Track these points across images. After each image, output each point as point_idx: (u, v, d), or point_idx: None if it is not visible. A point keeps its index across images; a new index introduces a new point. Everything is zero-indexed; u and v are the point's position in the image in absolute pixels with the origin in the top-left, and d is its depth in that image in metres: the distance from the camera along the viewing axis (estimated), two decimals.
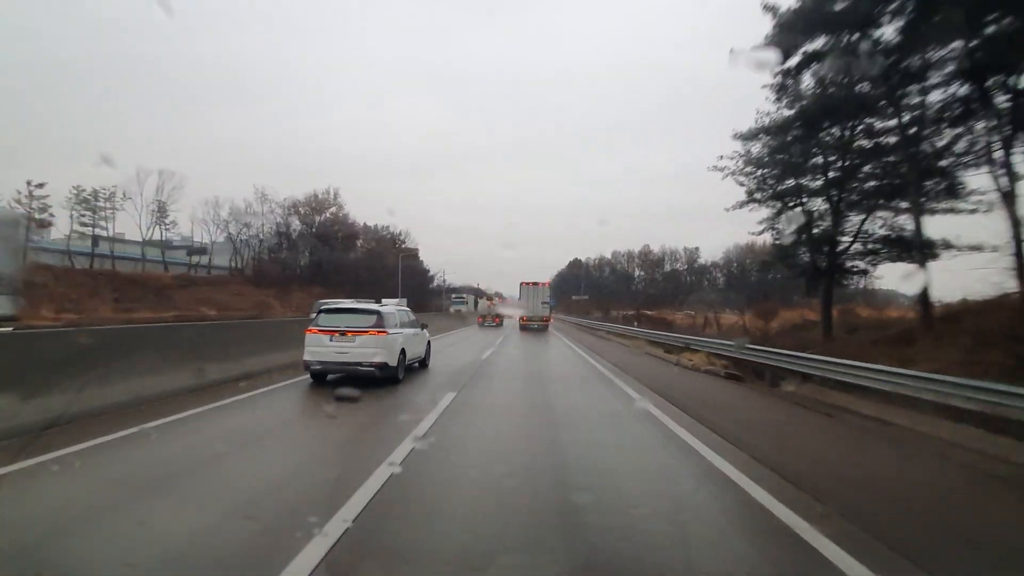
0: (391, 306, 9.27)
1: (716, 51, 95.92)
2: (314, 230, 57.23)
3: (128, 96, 65.56)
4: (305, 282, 49.22)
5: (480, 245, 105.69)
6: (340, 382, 8.33)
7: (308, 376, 9.09)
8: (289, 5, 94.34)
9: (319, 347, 7.93)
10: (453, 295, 60.00)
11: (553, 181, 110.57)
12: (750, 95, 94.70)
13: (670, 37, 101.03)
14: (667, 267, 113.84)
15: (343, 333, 7.97)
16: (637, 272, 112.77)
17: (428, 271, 76.24)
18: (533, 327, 31.58)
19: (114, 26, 64.20)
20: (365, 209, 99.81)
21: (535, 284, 34.94)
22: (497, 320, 35.77)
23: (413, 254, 72.36)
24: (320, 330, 8.05)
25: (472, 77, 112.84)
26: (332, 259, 54.64)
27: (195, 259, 49.22)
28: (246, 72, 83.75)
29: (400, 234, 71.62)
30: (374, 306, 8.90)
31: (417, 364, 9.96)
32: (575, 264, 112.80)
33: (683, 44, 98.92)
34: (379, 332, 8.06)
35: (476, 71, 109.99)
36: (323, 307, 9.30)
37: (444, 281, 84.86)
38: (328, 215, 59.11)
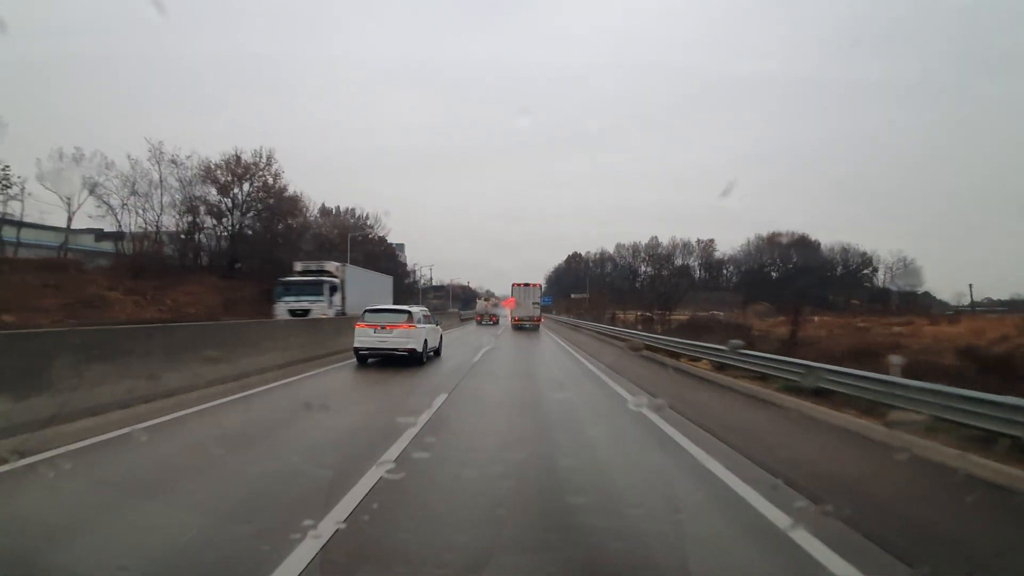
0: (417, 308, 12.98)
1: (717, 50, 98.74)
2: (241, 203, 43.67)
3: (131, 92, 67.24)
4: (213, 272, 39.31)
5: (476, 245, 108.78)
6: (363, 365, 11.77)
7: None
8: (284, 3, 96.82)
9: (366, 336, 11.73)
10: (298, 265, 29.20)
11: (554, 180, 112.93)
12: (752, 95, 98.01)
13: (668, 37, 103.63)
14: (678, 261, 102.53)
15: (383, 327, 11.74)
16: (643, 268, 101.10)
17: (406, 265, 70.48)
18: (525, 326, 34.29)
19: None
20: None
21: (527, 285, 36.22)
22: (493, 319, 40.90)
23: (390, 249, 63.02)
24: (367, 324, 11.79)
25: (472, 77, 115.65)
26: (258, 243, 43.17)
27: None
28: (238, 68, 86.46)
29: (367, 217, 58.55)
30: (406, 307, 12.59)
31: (432, 353, 13.90)
32: (574, 258, 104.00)
33: (680, 44, 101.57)
34: (410, 326, 11.79)
35: (477, 71, 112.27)
36: (368, 308, 12.92)
37: (430, 280, 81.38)
38: (258, 184, 44.21)
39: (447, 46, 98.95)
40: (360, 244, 52.60)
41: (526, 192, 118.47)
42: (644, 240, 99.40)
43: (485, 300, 46.69)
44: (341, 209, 59.28)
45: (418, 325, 12.54)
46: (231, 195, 44.24)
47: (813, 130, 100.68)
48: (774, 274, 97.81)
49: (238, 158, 44.44)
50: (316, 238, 50.49)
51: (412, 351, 12.13)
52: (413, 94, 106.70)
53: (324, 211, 56.33)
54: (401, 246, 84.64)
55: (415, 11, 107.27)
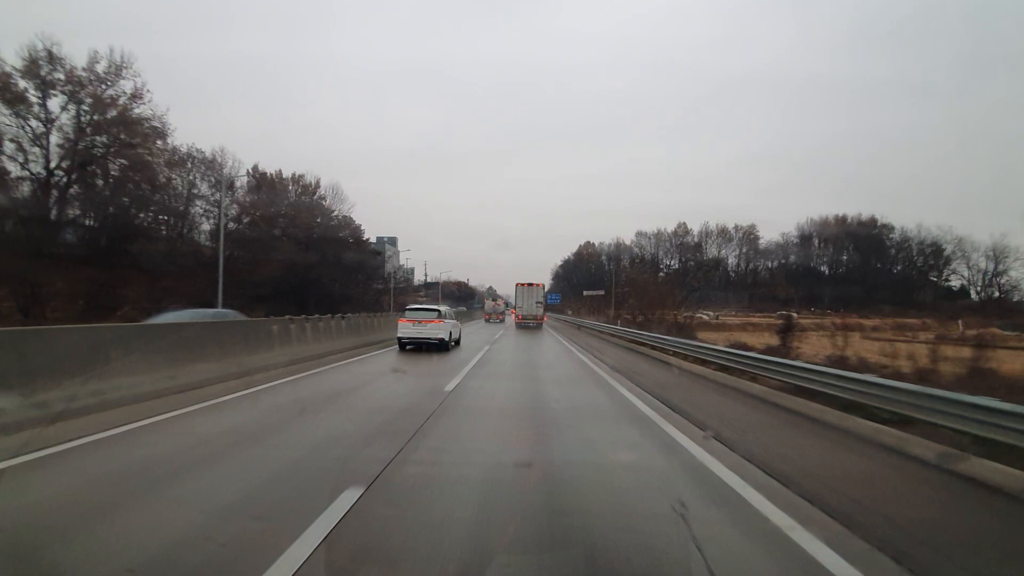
0: (445, 307, 17.51)
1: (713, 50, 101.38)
2: (69, 132, 29.38)
3: None
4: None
5: (478, 243, 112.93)
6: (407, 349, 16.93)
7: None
8: (284, 2, 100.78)
9: (407, 329, 17.06)
10: None
11: (557, 179, 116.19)
12: (753, 95, 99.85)
13: (674, 37, 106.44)
14: (712, 251, 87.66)
15: (420, 322, 16.40)
16: (666, 261, 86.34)
17: (381, 254, 61.44)
18: (529, 325, 38.15)
19: None
20: (360, 211, 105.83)
21: (530, 284, 39.50)
22: (500, 317, 48.22)
23: (355, 230, 52.38)
24: (407, 320, 16.37)
25: (474, 76, 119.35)
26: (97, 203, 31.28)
27: None
28: (236, 68, 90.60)
29: (316, 185, 48.99)
30: (437, 307, 17.24)
31: (454, 343, 18.21)
32: (586, 248, 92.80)
33: (680, 45, 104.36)
34: (439, 322, 16.51)
35: (481, 70, 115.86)
36: (408, 307, 17.39)
37: (424, 276, 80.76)
38: (91, 99, 29.73)
39: (451, 46, 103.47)
40: (305, 217, 44.76)
41: (529, 190, 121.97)
42: (670, 227, 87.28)
43: (493, 301, 55.12)
44: (283, 175, 48.43)
45: (445, 321, 17.50)
46: (43, 119, 28.55)
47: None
48: (824, 267, 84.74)
49: (50, 54, 27.91)
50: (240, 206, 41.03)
51: (441, 340, 17.07)
52: (416, 93, 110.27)
53: (256, 174, 45.48)
54: (394, 240, 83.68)
55: (418, 11, 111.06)
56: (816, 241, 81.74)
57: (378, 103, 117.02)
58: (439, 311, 18.85)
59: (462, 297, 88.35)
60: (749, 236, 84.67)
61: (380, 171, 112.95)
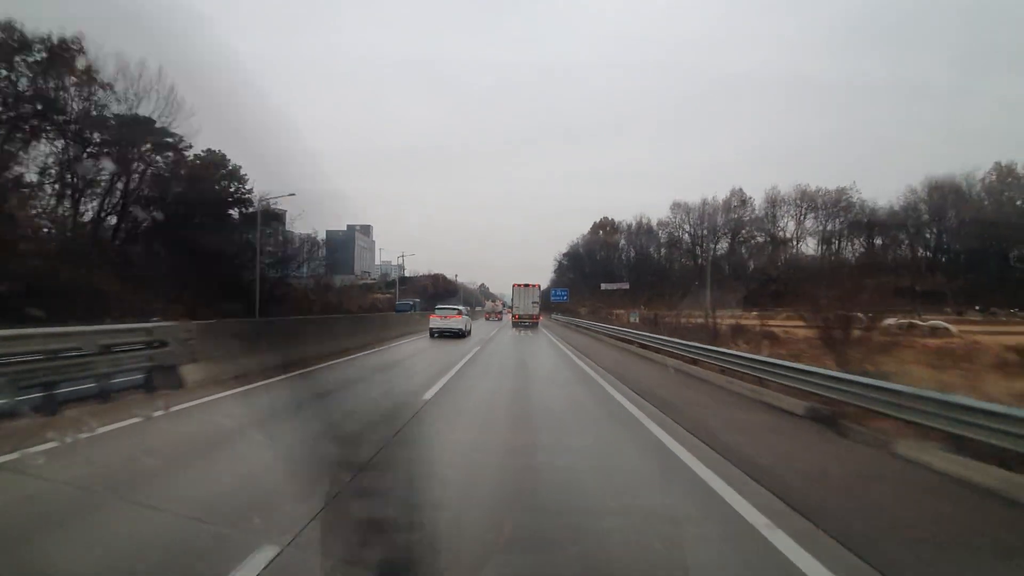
0: (463, 307, 25.40)
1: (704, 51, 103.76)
2: None
3: None
4: None
5: (475, 242, 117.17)
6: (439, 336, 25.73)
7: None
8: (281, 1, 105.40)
9: (436, 322, 25.69)
10: None
11: (555, 178, 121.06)
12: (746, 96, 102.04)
13: (659, 39, 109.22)
14: (788, 227, 69.16)
15: (446, 317, 24.27)
16: (702, 243, 69.27)
17: (282, 225, 41.51)
18: (525, 324, 43.92)
19: None
20: (358, 210, 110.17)
21: (526, 285, 44.53)
22: (499, 316, 58.76)
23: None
24: (437, 316, 24.15)
25: (475, 75, 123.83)
26: None
27: None
28: (235, 64, 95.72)
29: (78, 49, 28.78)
30: (458, 307, 25.01)
31: (468, 332, 26.14)
32: (603, 227, 79.83)
33: (678, 45, 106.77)
34: (459, 316, 24.54)
35: (477, 70, 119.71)
36: (437, 307, 25.35)
37: (402, 270, 76.19)
38: None
39: (449, 44, 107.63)
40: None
41: (529, 191, 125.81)
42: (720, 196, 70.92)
43: (492, 302, 69.41)
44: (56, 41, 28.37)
45: (463, 316, 25.61)
46: None
47: None
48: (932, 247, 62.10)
49: None
50: None
51: (460, 330, 24.97)
52: (416, 93, 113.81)
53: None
54: (367, 228, 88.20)
55: (417, 9, 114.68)
56: (928, 210, 59.22)
57: (378, 103, 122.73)
58: (459, 310, 31.57)
59: (437, 295, 73.77)
60: (838, 204, 62.92)
61: (380, 172, 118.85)
